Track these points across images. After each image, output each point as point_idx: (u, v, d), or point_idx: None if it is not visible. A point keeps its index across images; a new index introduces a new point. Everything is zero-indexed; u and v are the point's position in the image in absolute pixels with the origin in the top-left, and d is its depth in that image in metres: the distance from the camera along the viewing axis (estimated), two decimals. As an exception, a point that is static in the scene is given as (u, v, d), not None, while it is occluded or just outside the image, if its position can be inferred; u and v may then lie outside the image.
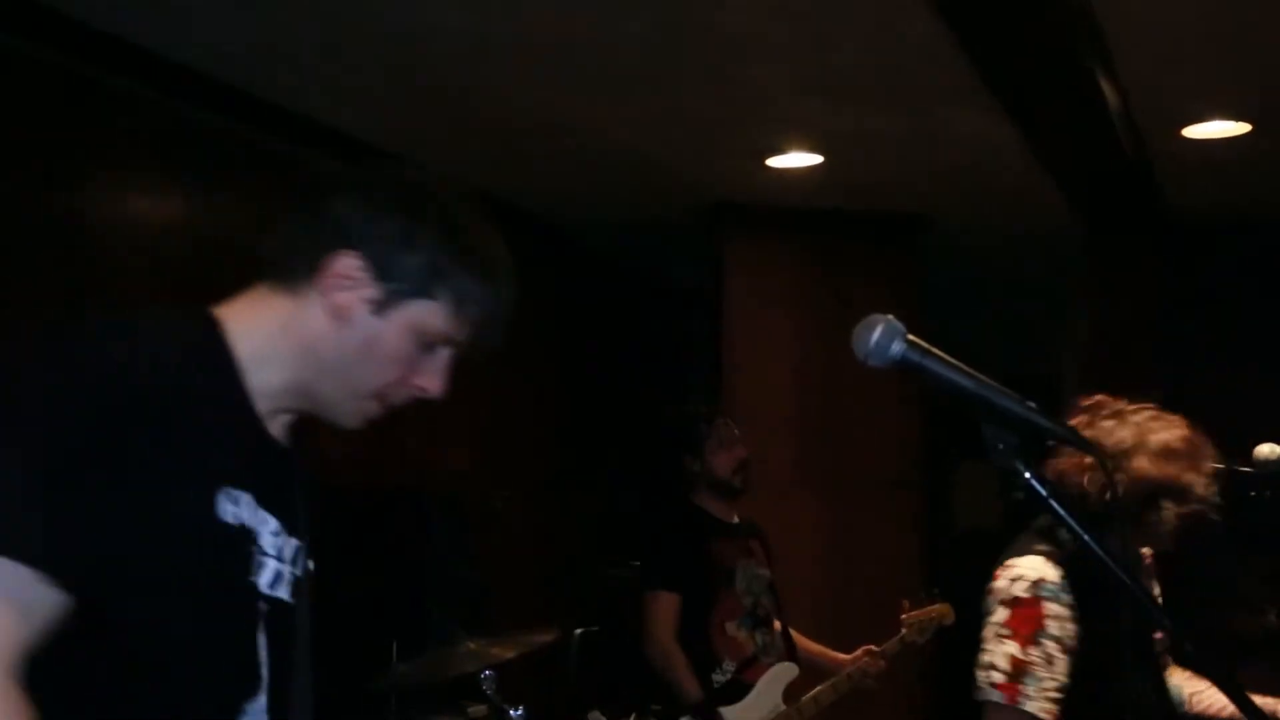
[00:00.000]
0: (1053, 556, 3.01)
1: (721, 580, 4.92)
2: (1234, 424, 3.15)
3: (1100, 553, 1.69)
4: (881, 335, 1.64)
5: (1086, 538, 1.69)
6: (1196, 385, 6.51)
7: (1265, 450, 3.42)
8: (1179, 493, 3.02)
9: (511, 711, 4.05)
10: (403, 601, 5.49)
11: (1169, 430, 3.05)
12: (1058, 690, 2.93)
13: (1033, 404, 1.69)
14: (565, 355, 7.36)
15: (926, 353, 1.65)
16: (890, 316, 1.65)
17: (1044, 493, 1.68)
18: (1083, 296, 7.15)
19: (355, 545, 5.37)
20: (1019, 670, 2.93)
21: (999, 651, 2.97)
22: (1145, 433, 3.05)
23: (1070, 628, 2.96)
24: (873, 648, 5.09)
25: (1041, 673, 2.92)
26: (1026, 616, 2.96)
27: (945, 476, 7.61)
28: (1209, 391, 5.99)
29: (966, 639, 3.27)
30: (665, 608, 4.82)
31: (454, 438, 6.18)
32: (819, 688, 4.97)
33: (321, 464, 2.05)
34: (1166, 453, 3.01)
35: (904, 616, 5.18)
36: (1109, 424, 3.08)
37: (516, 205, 6.70)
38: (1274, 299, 7.20)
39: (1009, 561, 3.05)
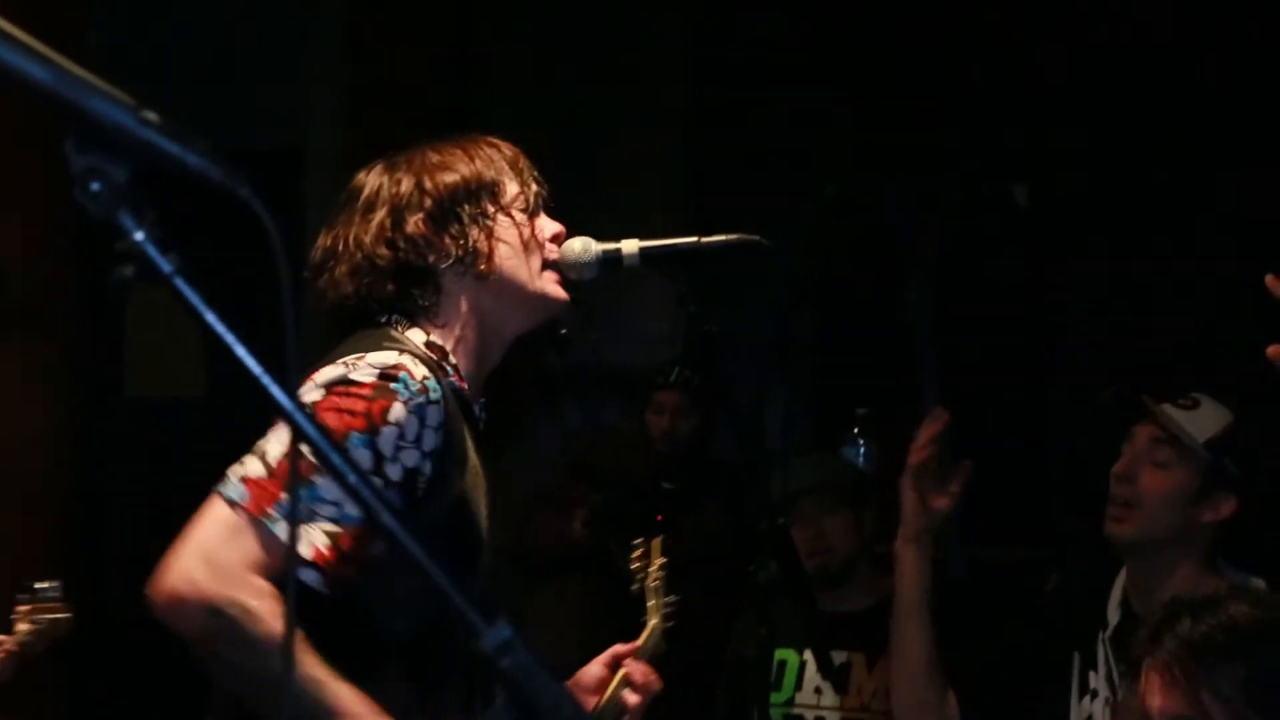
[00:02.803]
0: (429, 363, 2.15)
1: None
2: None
3: (282, 400, 1.09)
4: None
5: (242, 352, 1.07)
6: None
7: (577, 246, 2.36)
8: (489, 189, 2.26)
9: None
10: None
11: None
12: (339, 525, 2.00)
13: (154, 115, 1.06)
14: None
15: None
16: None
17: (166, 268, 1.05)
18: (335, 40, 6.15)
19: None
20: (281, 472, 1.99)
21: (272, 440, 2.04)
22: (423, 157, 2.30)
23: (415, 458, 2.07)
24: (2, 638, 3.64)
25: (326, 492, 1.98)
26: (351, 407, 2.04)
27: (112, 315, 5.62)
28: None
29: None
30: None
31: None
32: None
33: None
34: (458, 155, 2.29)
35: (18, 609, 3.65)
36: (379, 179, 2.29)
37: None
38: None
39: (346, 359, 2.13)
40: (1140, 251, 5.50)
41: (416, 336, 2.20)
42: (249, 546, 1.97)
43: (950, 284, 5.91)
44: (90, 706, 5.25)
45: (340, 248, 2.22)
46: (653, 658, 2.85)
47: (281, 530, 1.96)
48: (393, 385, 2.05)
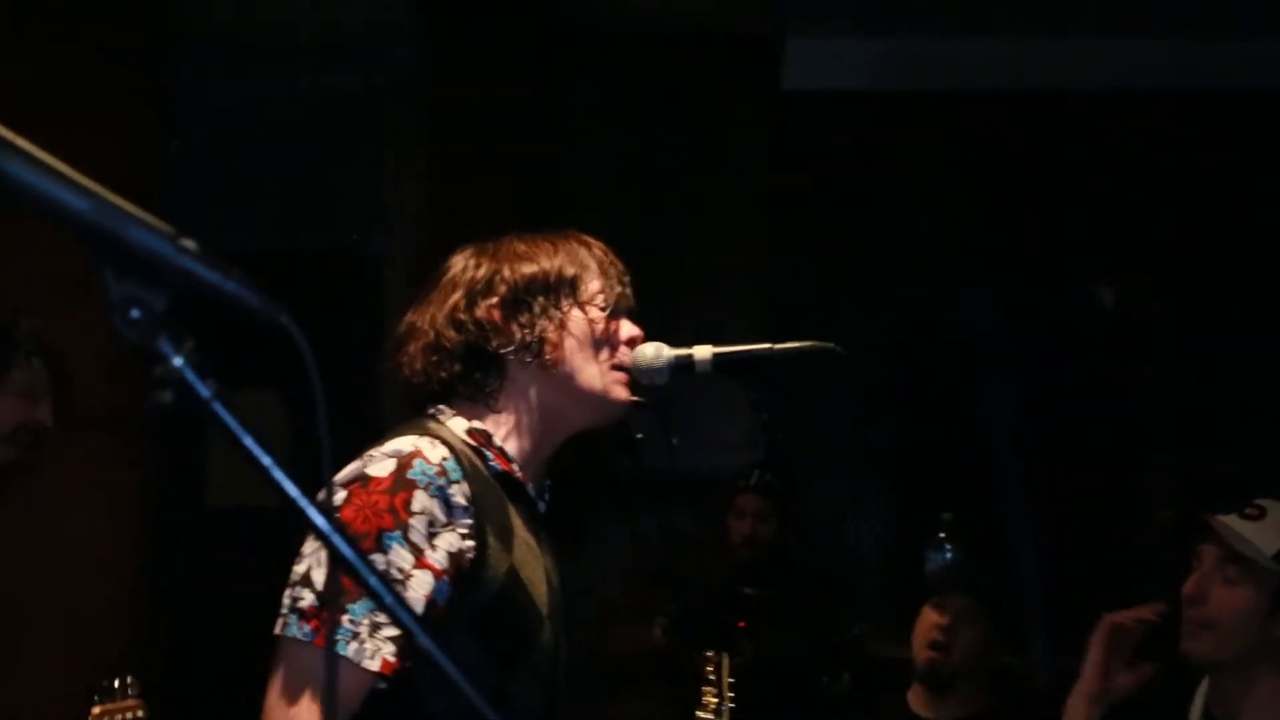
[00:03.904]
0: (451, 444, 2.13)
1: None
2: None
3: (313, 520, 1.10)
4: None
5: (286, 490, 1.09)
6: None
7: (649, 351, 2.32)
8: (569, 284, 2.24)
9: None
10: None
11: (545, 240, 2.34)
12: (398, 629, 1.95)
13: (192, 244, 1.08)
14: None
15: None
16: None
17: (204, 393, 1.07)
18: (412, 147, 6.25)
19: None
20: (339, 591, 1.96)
21: (314, 560, 2.04)
22: (510, 246, 2.30)
23: (454, 540, 2.06)
24: None
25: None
26: (374, 505, 2.03)
27: (192, 424, 5.74)
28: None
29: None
30: None
31: None
32: None
33: None
34: (544, 248, 2.28)
35: (95, 710, 3.50)
36: (464, 262, 2.30)
37: None
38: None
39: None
40: (1228, 356, 5.42)
41: (457, 425, 2.20)
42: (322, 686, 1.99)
43: (1034, 387, 5.84)
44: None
45: (418, 325, 2.25)
46: None
47: (349, 650, 1.98)
48: (409, 474, 2.05)
